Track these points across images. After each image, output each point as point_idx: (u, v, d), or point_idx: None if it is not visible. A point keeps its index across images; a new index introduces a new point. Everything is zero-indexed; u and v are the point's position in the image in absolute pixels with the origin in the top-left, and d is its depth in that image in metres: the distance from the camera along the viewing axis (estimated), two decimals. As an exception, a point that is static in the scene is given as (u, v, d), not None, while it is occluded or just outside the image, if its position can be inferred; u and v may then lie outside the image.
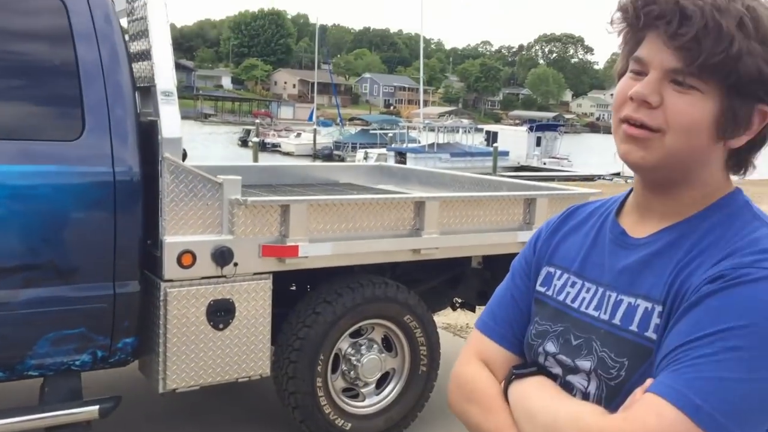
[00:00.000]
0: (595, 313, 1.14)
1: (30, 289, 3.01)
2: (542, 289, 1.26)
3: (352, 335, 3.94)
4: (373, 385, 4.02)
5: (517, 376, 1.20)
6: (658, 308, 1.04)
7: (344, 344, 3.91)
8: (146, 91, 3.44)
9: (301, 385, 3.71)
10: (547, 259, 1.28)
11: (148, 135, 3.30)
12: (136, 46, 3.52)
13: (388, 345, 4.08)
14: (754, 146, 1.06)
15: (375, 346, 4.00)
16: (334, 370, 3.90)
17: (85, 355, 3.19)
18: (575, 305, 1.18)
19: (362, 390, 4.00)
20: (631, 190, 1.20)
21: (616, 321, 1.10)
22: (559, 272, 1.24)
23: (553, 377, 1.18)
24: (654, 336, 1.04)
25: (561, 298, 1.21)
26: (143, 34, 3.38)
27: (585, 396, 1.12)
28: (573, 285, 1.20)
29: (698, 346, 0.95)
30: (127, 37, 3.52)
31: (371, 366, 3.94)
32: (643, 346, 1.05)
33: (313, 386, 3.73)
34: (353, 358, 3.92)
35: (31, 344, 3.04)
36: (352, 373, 3.93)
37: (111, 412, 3.24)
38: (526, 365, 1.23)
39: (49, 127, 3.15)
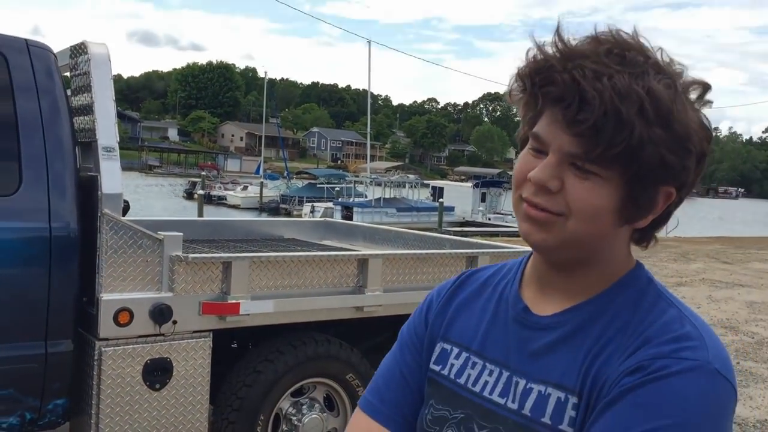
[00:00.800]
0: (501, 400, 1.05)
1: (-45, 348, 2.88)
2: (437, 368, 1.15)
3: (294, 394, 3.88)
4: (315, 446, 3.94)
5: None
6: (573, 399, 0.97)
7: (285, 404, 3.84)
8: (87, 146, 3.40)
9: (240, 447, 3.61)
10: (441, 334, 1.17)
11: (87, 190, 3.25)
12: (78, 100, 3.49)
13: (330, 404, 4.03)
14: (658, 223, 1.03)
15: (317, 405, 3.94)
16: (274, 431, 3.81)
17: (13, 417, 3.05)
18: (477, 389, 1.08)
19: (303, 451, 3.91)
20: (528, 257, 1.15)
21: (526, 411, 1.01)
22: (456, 350, 1.14)
23: None
24: (570, 430, 0.97)
25: (461, 381, 1.11)
26: (86, 88, 3.36)
27: None
28: (473, 366, 1.10)
29: None
30: (69, 91, 3.50)
31: (313, 426, 3.87)
32: None
33: (253, 448, 3.64)
34: (294, 418, 3.85)
35: (-46, 407, 2.90)
36: (293, 433, 3.85)
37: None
38: None
39: None
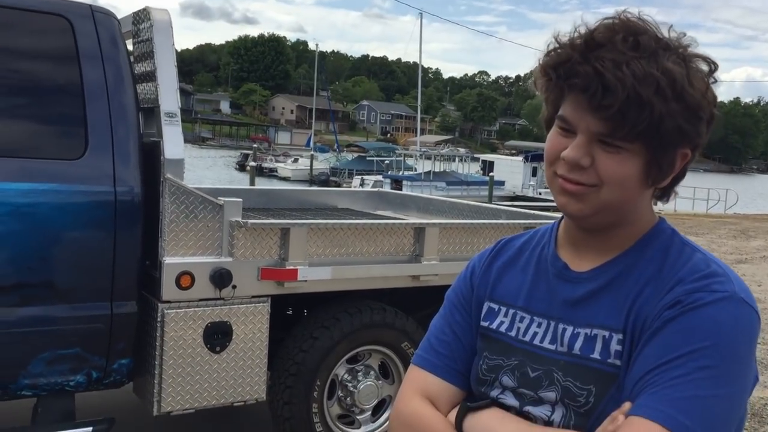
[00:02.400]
0: (552, 347, 1.18)
1: (25, 307, 2.98)
2: (486, 324, 1.28)
3: (349, 361, 3.91)
4: (370, 413, 3.98)
5: (471, 409, 1.20)
6: (617, 336, 1.11)
7: (341, 370, 3.88)
8: (150, 112, 3.45)
9: (297, 411, 3.67)
10: (488, 294, 1.29)
11: (150, 156, 3.31)
12: (140, 68, 3.54)
13: (385, 372, 4.05)
14: (677, 180, 1.15)
15: (372, 372, 3.96)
16: (330, 397, 3.86)
17: (80, 375, 3.15)
18: (527, 339, 1.21)
19: (358, 417, 3.96)
20: (559, 222, 1.27)
21: (576, 351, 1.14)
22: (504, 308, 1.26)
23: (506, 409, 1.19)
24: (618, 362, 1.10)
25: (512, 333, 1.23)
26: (148, 55, 3.40)
27: (548, 424, 1.15)
28: (522, 320, 1.23)
29: (671, 368, 1.02)
30: (132, 58, 3.54)
31: (368, 393, 3.90)
32: (607, 372, 1.10)
33: (309, 412, 3.69)
34: (350, 385, 3.88)
35: (25, 364, 3.00)
36: (348, 399, 3.89)
37: (104, 434, 3.20)
38: (478, 399, 1.23)
39: (52, 146, 3.15)
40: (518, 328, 1.22)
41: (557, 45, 1.09)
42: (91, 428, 3.16)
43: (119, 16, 3.49)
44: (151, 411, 3.31)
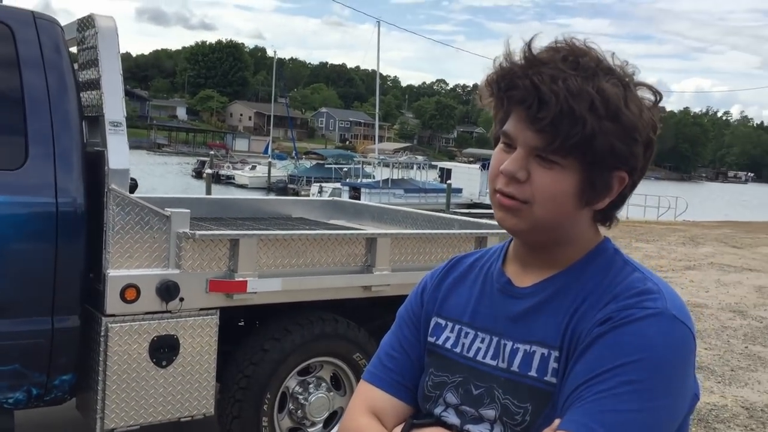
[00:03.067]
0: (493, 362, 1.19)
1: (-38, 323, 2.88)
2: (432, 339, 1.29)
3: (300, 373, 3.87)
4: (321, 425, 3.94)
5: (416, 426, 1.22)
6: (555, 353, 1.12)
7: (292, 382, 3.83)
8: (94, 120, 3.37)
9: (247, 425, 3.61)
10: (436, 310, 1.31)
11: (94, 165, 3.23)
12: (85, 75, 3.45)
13: (336, 383, 4.02)
14: (616, 205, 1.17)
15: (323, 384, 3.93)
16: (281, 410, 3.81)
17: (19, 392, 3.05)
18: (471, 355, 1.22)
19: (309, 430, 3.91)
20: (509, 241, 1.28)
21: (515, 368, 1.16)
22: (450, 324, 1.28)
23: (448, 428, 1.21)
24: (554, 380, 1.11)
25: (457, 349, 1.25)
26: (93, 63, 3.32)
27: None
28: (466, 335, 1.24)
29: (598, 382, 1.04)
30: (76, 66, 3.46)
31: (319, 405, 3.87)
32: (543, 390, 1.12)
33: (259, 426, 3.64)
34: (301, 397, 3.84)
35: (-39, 381, 2.89)
36: (299, 412, 3.84)
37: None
38: (423, 415, 1.25)
39: None
40: (463, 344, 1.24)
41: (503, 60, 1.12)
42: (31, 447, 3.06)
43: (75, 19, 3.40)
44: (94, 428, 3.22)
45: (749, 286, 11.09)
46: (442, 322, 1.29)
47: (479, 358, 1.21)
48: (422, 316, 1.32)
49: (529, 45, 1.10)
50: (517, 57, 1.10)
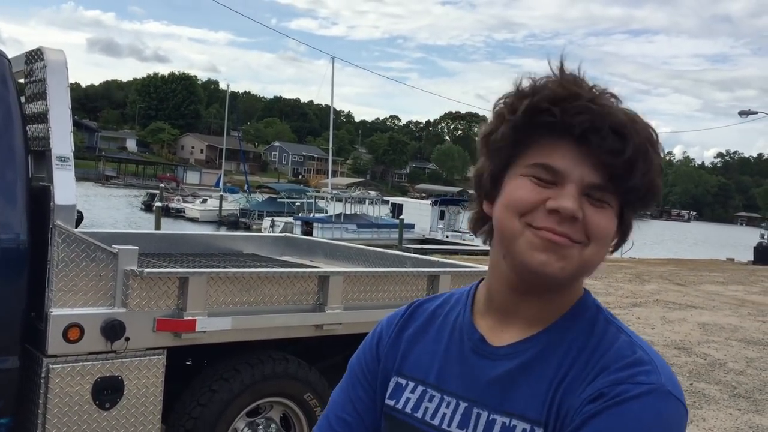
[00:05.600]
0: None
1: None
2: (391, 403, 1.13)
3: (249, 414, 3.79)
4: (270, 467, 3.85)
5: None
6: (539, 430, 0.99)
7: (240, 424, 3.75)
8: (41, 154, 3.29)
9: (193, 469, 3.50)
10: (396, 368, 1.15)
11: (39, 201, 3.14)
12: (32, 108, 3.38)
13: (287, 424, 3.94)
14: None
15: (273, 425, 3.85)
16: (228, 452, 3.71)
17: (-49, 438, 2.91)
18: (435, 422, 1.07)
19: (258, 472, 3.82)
20: (475, 286, 1.15)
21: None
22: (411, 384, 1.13)
23: None
24: None
25: (418, 414, 1.09)
26: (41, 95, 3.26)
27: None
28: (431, 399, 1.09)
29: None
30: (23, 99, 3.38)
31: (268, 447, 3.78)
32: None
33: (206, 469, 3.53)
34: (250, 439, 3.75)
35: None
36: (248, 454, 3.75)
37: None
38: None
39: None
40: (425, 409, 1.09)
41: (533, 84, 0.99)
42: (-38, 496, 2.91)
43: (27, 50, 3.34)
44: (31, 474, 3.09)
45: (693, 323, 11.36)
46: (403, 381, 1.13)
47: (444, 426, 1.06)
48: (379, 374, 1.16)
49: (531, 80, 1.00)
50: (553, 81, 0.98)
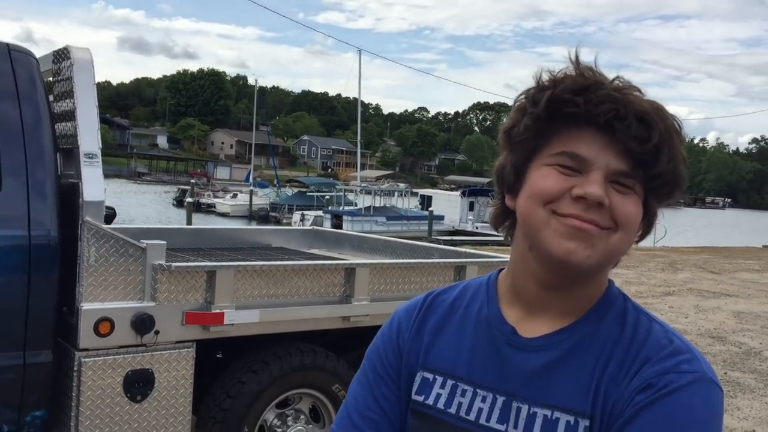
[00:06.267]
0: (501, 427, 1.02)
1: (-71, 359, 2.81)
2: (420, 399, 1.09)
3: (279, 406, 3.82)
4: (300, 458, 3.88)
5: None
6: (584, 422, 0.98)
7: (270, 415, 3.78)
8: (69, 152, 3.34)
9: (224, 460, 3.55)
10: (420, 362, 1.12)
11: (68, 197, 3.20)
12: (60, 106, 3.44)
13: (315, 416, 3.97)
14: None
15: (302, 416, 3.88)
16: (258, 443, 3.75)
17: (-11, 430, 2.98)
18: (471, 418, 1.04)
19: (288, 463, 3.85)
20: (494, 276, 1.14)
21: None
22: (440, 378, 1.09)
23: None
24: None
25: (451, 410, 1.06)
26: (68, 94, 3.31)
27: None
28: (463, 394, 1.06)
29: None
30: (51, 97, 3.44)
31: (298, 438, 3.81)
32: None
33: (236, 460, 3.57)
34: (279, 430, 3.79)
35: (-72, 419, 2.82)
36: (278, 446, 3.79)
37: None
38: None
39: None
40: (459, 404, 1.06)
41: (555, 76, 0.99)
42: (0, 486, 2.98)
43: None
44: (66, 465, 3.15)
45: (728, 311, 11.17)
46: (430, 376, 1.10)
47: (482, 421, 1.03)
48: (402, 369, 1.13)
49: (549, 73, 1.00)
50: (576, 72, 0.99)
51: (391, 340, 1.16)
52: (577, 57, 1.00)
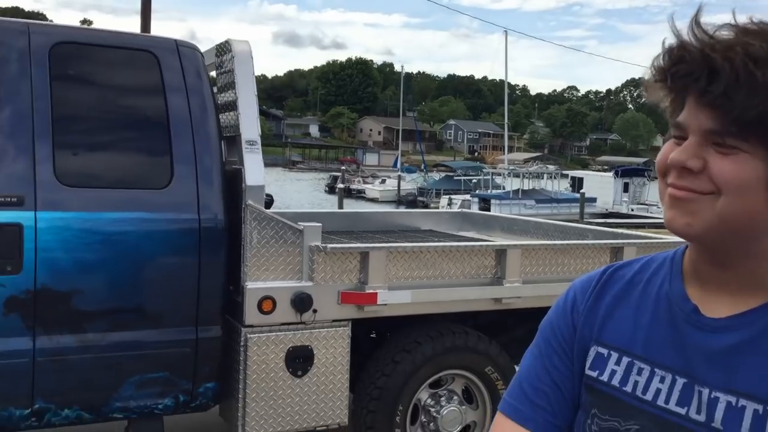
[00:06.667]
0: (682, 410, 0.96)
1: (116, 332, 3.10)
2: (593, 374, 1.06)
3: (432, 386, 3.86)
4: (453, 438, 3.90)
5: None
6: None
7: (424, 395, 3.83)
8: (232, 140, 3.54)
9: (379, 436, 3.64)
10: (594, 337, 1.07)
11: (232, 183, 3.39)
12: (223, 98, 3.64)
13: (469, 397, 3.97)
14: None
15: (455, 397, 3.89)
16: (413, 422, 3.81)
17: (168, 399, 3.24)
18: (648, 398, 0.99)
19: (442, 443, 3.89)
20: (681, 252, 1.07)
21: (717, 424, 0.92)
22: (614, 354, 1.05)
23: None
24: None
25: (627, 388, 1.02)
26: (230, 85, 3.50)
27: None
28: (640, 372, 1.01)
29: None
30: (215, 89, 3.66)
31: (451, 418, 3.84)
32: None
33: (392, 437, 3.66)
34: (433, 410, 3.83)
35: (116, 387, 3.11)
36: (431, 425, 3.83)
37: (191, 456, 3.27)
38: None
39: (140, 176, 3.29)
40: (635, 382, 1.01)
41: (669, 41, 0.95)
42: (178, 450, 3.24)
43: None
44: (235, 434, 3.36)
45: None
46: (604, 351, 1.06)
47: (661, 402, 0.98)
48: (576, 343, 1.09)
49: (696, 18, 0.93)
50: (688, 34, 0.93)
51: (566, 313, 1.13)
52: (695, 17, 0.94)
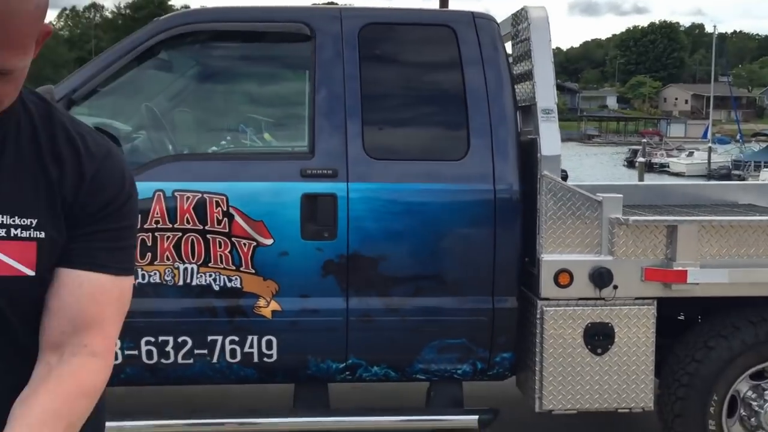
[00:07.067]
0: None
1: (418, 297, 3.25)
2: None
3: (753, 377, 3.43)
4: (780, 439, 3.43)
5: None
6: None
7: (743, 386, 3.42)
8: (527, 109, 3.48)
9: (691, 426, 3.34)
10: None
11: (527, 153, 3.34)
12: (519, 68, 3.59)
13: (799, 394, 3.45)
14: None
15: (782, 393, 3.41)
16: (730, 414, 3.43)
17: (466, 365, 3.32)
18: None
19: (765, 442, 3.44)
20: None
21: None
22: None
23: None
24: None
25: None
26: (526, 55, 3.44)
27: None
28: None
29: None
30: (510, 60, 3.62)
31: (777, 416, 3.37)
32: None
33: (705, 428, 3.33)
34: (754, 404, 3.40)
35: (419, 350, 3.27)
36: (753, 420, 3.41)
37: (489, 423, 3.32)
38: None
39: (438, 148, 3.40)
40: None
41: None
42: (476, 417, 3.31)
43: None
44: (533, 407, 3.34)
45: None
46: None
47: None
48: None
49: None
50: None
51: None
52: None
